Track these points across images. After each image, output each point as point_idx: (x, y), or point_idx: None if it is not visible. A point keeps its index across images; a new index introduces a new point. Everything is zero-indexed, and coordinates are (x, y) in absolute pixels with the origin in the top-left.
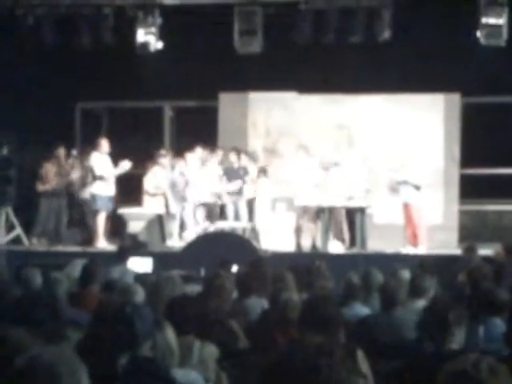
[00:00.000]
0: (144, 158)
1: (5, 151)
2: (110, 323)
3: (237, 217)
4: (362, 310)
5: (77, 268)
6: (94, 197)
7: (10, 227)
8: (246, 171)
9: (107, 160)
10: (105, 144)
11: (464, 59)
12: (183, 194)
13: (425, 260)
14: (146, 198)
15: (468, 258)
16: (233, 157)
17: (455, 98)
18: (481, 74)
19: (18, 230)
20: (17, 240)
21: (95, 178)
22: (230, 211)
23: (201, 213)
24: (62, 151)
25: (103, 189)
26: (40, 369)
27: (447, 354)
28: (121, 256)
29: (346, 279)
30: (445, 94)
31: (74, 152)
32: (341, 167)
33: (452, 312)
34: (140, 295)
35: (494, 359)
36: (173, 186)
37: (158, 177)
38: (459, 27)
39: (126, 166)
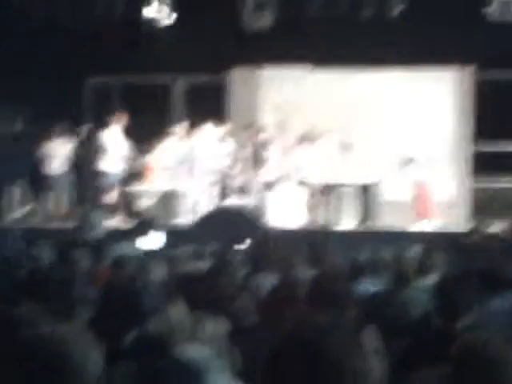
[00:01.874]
0: (154, 133)
1: (19, 126)
2: (119, 299)
3: (253, 193)
4: (369, 286)
5: None
6: (105, 174)
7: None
8: (263, 146)
9: (120, 136)
10: (123, 118)
11: (477, 34)
12: (193, 170)
13: (434, 237)
14: (154, 175)
15: (477, 235)
16: (251, 132)
17: (468, 73)
18: (494, 48)
19: (32, 205)
20: (30, 215)
21: (108, 154)
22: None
23: (212, 189)
24: (63, 128)
25: (114, 165)
26: (52, 346)
27: (455, 331)
28: (137, 232)
29: (353, 256)
30: (458, 69)
31: (85, 127)
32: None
33: (462, 290)
34: (156, 271)
35: (506, 338)
36: (183, 162)
37: (166, 153)
38: (472, 2)
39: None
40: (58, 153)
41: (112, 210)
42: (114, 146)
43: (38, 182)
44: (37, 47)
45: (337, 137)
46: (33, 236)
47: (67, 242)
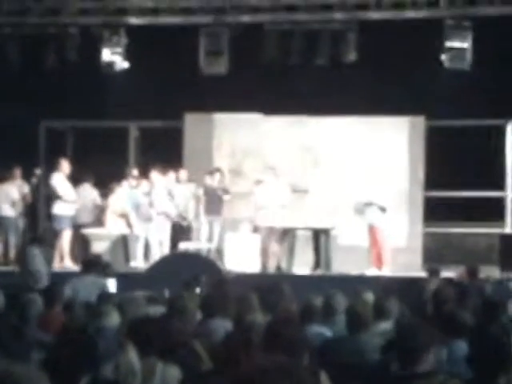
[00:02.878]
0: (109, 177)
1: None
2: (73, 345)
3: (210, 237)
4: (324, 331)
5: None
6: (55, 217)
7: None
8: (225, 191)
9: (67, 181)
10: (65, 165)
11: (429, 82)
12: (148, 214)
13: (389, 282)
14: (109, 218)
15: (431, 281)
16: (215, 177)
17: (420, 121)
18: (445, 97)
19: None
20: None
21: (57, 198)
22: (203, 231)
23: (165, 234)
24: (17, 172)
25: (65, 209)
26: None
27: (412, 376)
28: (90, 276)
29: (308, 301)
30: (410, 117)
31: (38, 171)
32: (309, 191)
33: (421, 335)
34: (108, 316)
35: (460, 381)
36: (137, 206)
37: (123, 197)
38: (425, 50)
39: None
40: (10, 196)
41: (64, 253)
42: (66, 189)
43: None
44: None
45: (290, 180)
46: None
47: (17, 286)
